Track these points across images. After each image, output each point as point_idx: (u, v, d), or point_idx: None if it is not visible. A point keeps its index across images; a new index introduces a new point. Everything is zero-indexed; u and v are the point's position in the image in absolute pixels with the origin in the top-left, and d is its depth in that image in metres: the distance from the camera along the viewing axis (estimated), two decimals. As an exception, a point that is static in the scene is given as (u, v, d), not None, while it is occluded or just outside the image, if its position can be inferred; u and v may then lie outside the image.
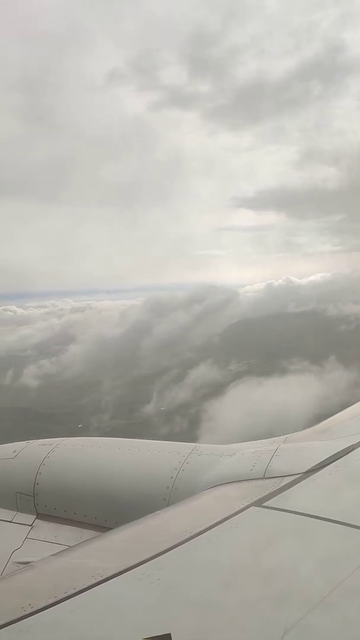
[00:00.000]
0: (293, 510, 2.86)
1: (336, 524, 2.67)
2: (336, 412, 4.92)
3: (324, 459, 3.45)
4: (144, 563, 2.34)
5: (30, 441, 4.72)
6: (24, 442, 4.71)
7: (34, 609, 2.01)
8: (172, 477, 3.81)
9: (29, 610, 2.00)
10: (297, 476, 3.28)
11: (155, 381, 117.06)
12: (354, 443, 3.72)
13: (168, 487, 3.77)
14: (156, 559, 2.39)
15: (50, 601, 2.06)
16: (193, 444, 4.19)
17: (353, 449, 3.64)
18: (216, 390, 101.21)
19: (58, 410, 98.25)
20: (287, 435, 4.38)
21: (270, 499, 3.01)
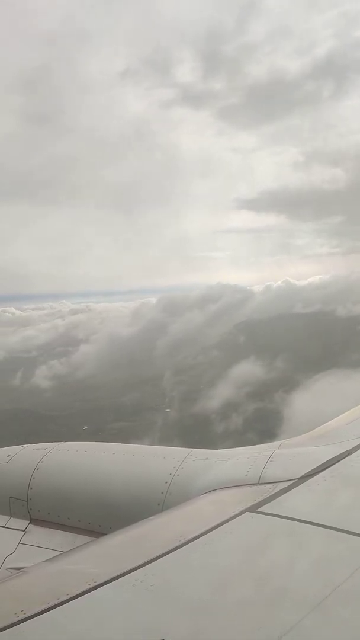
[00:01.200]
0: (288, 515, 2.85)
1: (331, 530, 2.66)
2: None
3: (319, 464, 3.45)
4: (138, 569, 2.33)
5: (25, 445, 4.71)
6: (18, 447, 4.70)
7: (27, 614, 1.99)
8: (166, 482, 3.80)
9: (22, 616, 1.98)
10: (291, 482, 3.28)
11: (167, 382, 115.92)
12: (349, 449, 3.73)
13: (162, 492, 3.76)
14: (150, 564, 2.38)
15: (44, 607, 2.04)
16: (188, 449, 4.19)
17: (348, 455, 3.65)
18: (257, 390, 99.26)
19: (63, 412, 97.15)
20: (282, 440, 4.38)
21: (264, 504, 3.01)
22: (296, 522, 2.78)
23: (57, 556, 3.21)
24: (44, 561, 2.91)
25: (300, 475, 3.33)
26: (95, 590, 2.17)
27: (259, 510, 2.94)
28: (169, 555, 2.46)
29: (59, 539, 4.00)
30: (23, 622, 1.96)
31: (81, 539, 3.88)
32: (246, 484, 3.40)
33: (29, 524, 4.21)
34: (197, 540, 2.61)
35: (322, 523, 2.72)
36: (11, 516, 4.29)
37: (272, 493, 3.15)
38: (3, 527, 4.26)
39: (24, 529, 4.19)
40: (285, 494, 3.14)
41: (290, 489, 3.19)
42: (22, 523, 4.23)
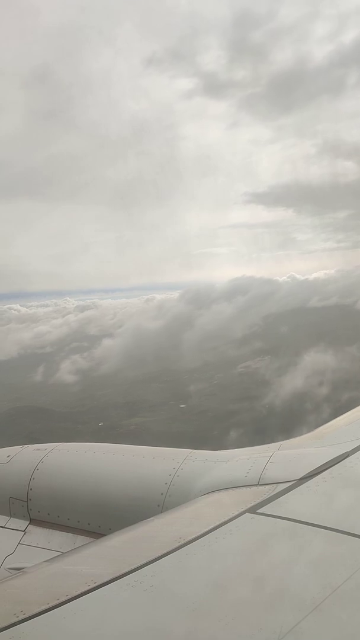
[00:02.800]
0: (287, 517, 2.85)
1: (330, 531, 2.66)
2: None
3: (319, 465, 3.44)
4: (137, 569, 2.34)
5: (24, 446, 4.72)
6: (18, 447, 4.71)
7: (26, 615, 2.00)
8: (166, 483, 3.80)
9: (21, 617, 1.99)
10: (291, 483, 3.28)
11: (184, 376, 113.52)
12: (349, 450, 3.72)
13: (162, 493, 3.75)
14: (150, 565, 2.38)
15: (43, 608, 2.05)
16: (187, 450, 4.19)
17: (347, 456, 3.64)
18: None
19: (76, 409, 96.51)
20: (282, 442, 4.38)
21: (264, 505, 3.00)
22: (296, 523, 2.78)
23: (56, 557, 3.23)
24: (44, 562, 2.93)
25: (300, 477, 3.32)
26: (95, 591, 2.17)
27: (258, 511, 2.94)
28: (168, 556, 2.47)
29: (59, 539, 4.01)
30: (22, 622, 1.97)
31: (81, 539, 3.89)
32: (246, 485, 3.40)
33: (29, 524, 4.22)
34: (196, 541, 2.61)
35: (322, 524, 2.72)
36: (11, 516, 4.30)
37: (272, 494, 3.14)
38: (3, 527, 4.27)
39: (23, 529, 4.20)
40: (285, 495, 3.13)
41: (290, 490, 3.19)
42: (22, 523, 4.23)
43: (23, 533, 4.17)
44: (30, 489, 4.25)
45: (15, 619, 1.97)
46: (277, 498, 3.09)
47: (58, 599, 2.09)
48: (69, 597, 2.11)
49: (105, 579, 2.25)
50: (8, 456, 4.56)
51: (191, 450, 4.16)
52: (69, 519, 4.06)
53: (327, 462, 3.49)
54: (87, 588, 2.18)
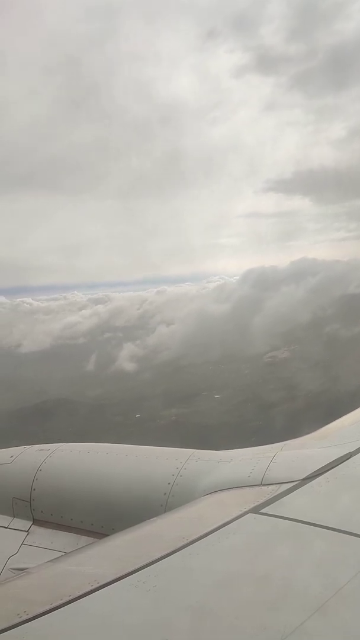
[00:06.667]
0: (290, 517, 2.85)
1: (333, 531, 2.66)
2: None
3: (322, 466, 3.44)
4: (140, 570, 2.33)
5: (27, 446, 4.72)
6: (21, 447, 4.71)
7: (30, 615, 2.00)
8: (169, 484, 3.81)
9: (24, 617, 1.99)
10: (294, 483, 3.28)
11: (220, 365, 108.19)
12: (352, 450, 3.72)
13: (165, 494, 3.76)
14: (153, 565, 2.38)
15: (46, 608, 2.05)
16: (190, 450, 4.19)
17: (351, 456, 3.64)
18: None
19: (109, 400, 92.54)
20: (285, 442, 4.37)
21: (267, 505, 3.00)
22: (299, 523, 2.78)
23: (60, 557, 3.23)
24: (47, 562, 2.94)
25: (303, 477, 3.32)
26: (98, 592, 2.17)
27: (261, 511, 2.94)
28: (171, 556, 2.46)
29: (62, 539, 4.01)
30: (26, 622, 1.96)
31: (84, 539, 3.89)
32: (249, 485, 3.40)
33: (32, 524, 4.22)
34: (200, 541, 2.61)
35: (325, 525, 2.72)
36: (14, 517, 4.30)
37: (275, 494, 3.14)
38: (6, 527, 4.26)
39: (27, 529, 4.20)
40: (288, 495, 3.13)
41: (293, 491, 3.19)
42: (25, 524, 4.23)
43: (26, 533, 4.17)
44: (34, 489, 4.25)
45: (19, 619, 1.98)
46: (280, 498, 3.09)
47: (61, 599, 2.10)
48: (72, 597, 2.11)
49: (109, 579, 2.25)
50: (11, 456, 4.56)
51: (194, 450, 4.17)
52: (72, 519, 4.06)
53: (331, 462, 3.49)
54: (91, 588, 2.18)
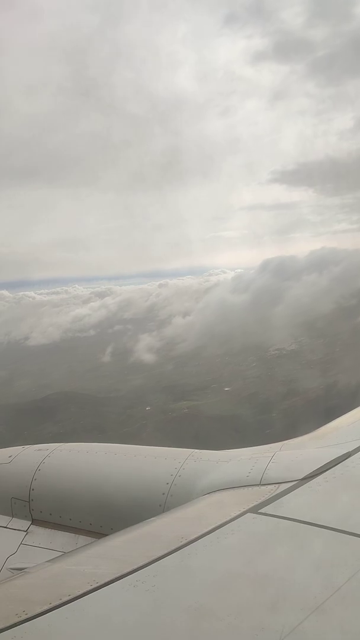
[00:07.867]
0: (289, 517, 2.85)
1: (332, 531, 2.66)
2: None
3: (321, 465, 3.45)
4: (139, 569, 2.34)
5: (26, 446, 4.72)
6: (20, 447, 4.71)
7: (29, 615, 2.00)
8: (168, 484, 3.81)
9: (23, 617, 1.99)
10: (293, 483, 3.28)
11: (224, 358, 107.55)
12: (350, 450, 3.72)
13: (164, 493, 3.76)
14: (152, 565, 2.38)
15: (45, 608, 2.05)
16: (189, 449, 4.20)
17: (349, 456, 3.64)
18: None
19: (117, 393, 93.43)
20: (284, 442, 4.38)
21: (266, 505, 3.01)
22: (298, 523, 2.78)
23: (58, 557, 3.23)
24: (46, 562, 2.94)
25: (302, 477, 3.33)
26: (96, 591, 2.17)
27: (260, 511, 2.94)
28: (170, 556, 2.47)
29: (61, 539, 4.02)
30: (25, 622, 1.96)
31: (83, 539, 3.90)
32: (248, 485, 3.41)
33: (31, 524, 4.22)
34: (198, 541, 2.61)
35: (324, 524, 2.72)
36: (13, 517, 4.30)
37: (274, 494, 3.15)
38: (5, 527, 4.27)
39: (25, 529, 4.20)
40: (287, 495, 3.14)
41: (292, 490, 3.19)
42: (24, 524, 4.24)
43: (25, 533, 4.17)
44: (32, 489, 4.25)
45: (18, 619, 1.98)
46: (279, 498, 3.09)
47: (60, 599, 2.10)
48: (71, 597, 2.12)
49: (108, 579, 2.25)
50: (10, 456, 4.56)
51: (193, 449, 4.17)
52: (70, 519, 4.06)
53: (329, 462, 3.50)
54: (90, 588, 2.19)
